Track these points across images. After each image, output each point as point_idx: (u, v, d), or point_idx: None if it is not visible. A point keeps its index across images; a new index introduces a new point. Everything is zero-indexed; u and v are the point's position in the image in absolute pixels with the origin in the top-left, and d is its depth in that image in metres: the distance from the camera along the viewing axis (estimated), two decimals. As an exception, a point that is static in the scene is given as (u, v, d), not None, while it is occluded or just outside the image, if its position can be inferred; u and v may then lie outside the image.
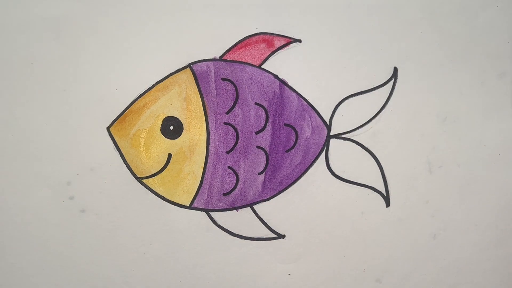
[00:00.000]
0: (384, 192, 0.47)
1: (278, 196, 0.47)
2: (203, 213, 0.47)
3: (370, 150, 0.47)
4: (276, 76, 0.46)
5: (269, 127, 0.46)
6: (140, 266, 0.47)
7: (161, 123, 0.45)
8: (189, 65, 0.45)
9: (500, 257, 0.49)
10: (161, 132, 0.45)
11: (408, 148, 0.47)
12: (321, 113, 0.46)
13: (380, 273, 0.49)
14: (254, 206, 0.47)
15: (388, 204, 0.48)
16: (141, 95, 0.45)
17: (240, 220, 0.47)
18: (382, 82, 0.46)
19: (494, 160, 0.47)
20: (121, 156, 0.45)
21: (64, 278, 0.47)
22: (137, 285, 0.48)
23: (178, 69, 0.45)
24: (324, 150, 0.47)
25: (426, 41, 0.46)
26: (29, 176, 0.45)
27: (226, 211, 0.47)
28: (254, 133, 0.46)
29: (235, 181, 0.46)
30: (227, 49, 0.45)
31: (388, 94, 0.46)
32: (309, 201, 0.47)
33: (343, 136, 0.47)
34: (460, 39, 0.46)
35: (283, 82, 0.46)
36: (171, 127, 0.45)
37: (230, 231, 0.47)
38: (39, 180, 0.45)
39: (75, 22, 0.44)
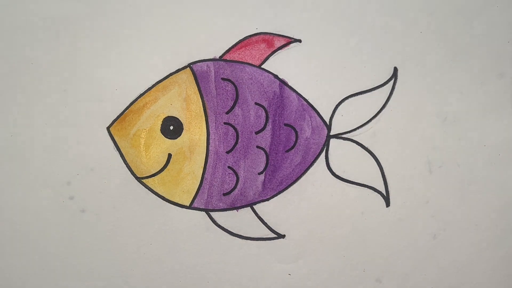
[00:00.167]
0: (384, 192, 0.47)
1: (278, 196, 0.47)
2: (203, 213, 0.47)
3: (370, 150, 0.47)
4: (276, 76, 0.46)
5: (269, 127, 0.46)
6: (140, 266, 0.47)
7: (161, 123, 0.45)
8: (189, 65, 0.45)
9: (500, 257, 0.49)
10: (161, 132, 0.45)
11: (408, 148, 0.47)
12: (321, 113, 0.46)
13: (380, 273, 0.49)
14: (254, 206, 0.47)
15: (388, 204, 0.48)
16: (141, 95, 0.45)
17: (240, 220, 0.47)
18: (382, 82, 0.46)
19: (494, 160, 0.47)
20: (121, 156, 0.45)
21: (64, 278, 0.47)
22: (137, 285, 0.47)
23: (178, 69, 0.45)
24: (324, 150, 0.47)
25: (426, 41, 0.46)
26: (29, 176, 0.45)
27: (226, 211, 0.47)
28: (254, 133, 0.46)
29: (235, 181, 0.46)
30: (227, 49, 0.45)
31: (388, 94, 0.46)
32: (309, 201, 0.47)
33: (343, 136, 0.47)
34: (460, 39, 0.46)
35: (283, 82, 0.46)
36: (171, 127, 0.45)
37: (230, 231, 0.47)
38: (39, 180, 0.45)
39: (75, 22, 0.44)
